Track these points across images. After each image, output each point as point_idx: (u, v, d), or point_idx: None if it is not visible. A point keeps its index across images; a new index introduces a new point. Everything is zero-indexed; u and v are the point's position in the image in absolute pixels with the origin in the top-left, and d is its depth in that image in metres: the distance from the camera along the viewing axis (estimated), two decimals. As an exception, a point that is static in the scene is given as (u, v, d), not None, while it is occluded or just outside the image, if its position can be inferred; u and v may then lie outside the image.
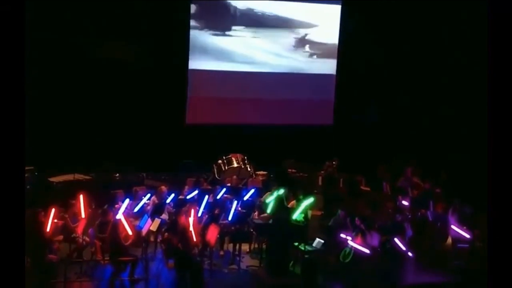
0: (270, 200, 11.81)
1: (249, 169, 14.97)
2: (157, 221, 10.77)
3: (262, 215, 11.79)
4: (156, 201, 11.71)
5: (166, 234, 10.92)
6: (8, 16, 6.35)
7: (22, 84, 6.51)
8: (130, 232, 9.99)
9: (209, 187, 13.07)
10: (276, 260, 10.45)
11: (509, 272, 6.56)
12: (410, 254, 11.32)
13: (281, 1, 16.88)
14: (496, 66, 7.06)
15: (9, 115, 6.33)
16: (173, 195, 11.89)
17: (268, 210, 11.53)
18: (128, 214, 10.99)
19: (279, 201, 11.42)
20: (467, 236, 11.57)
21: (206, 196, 11.46)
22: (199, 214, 11.02)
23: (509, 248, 6.62)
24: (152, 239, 11.39)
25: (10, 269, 6.10)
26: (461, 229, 11.64)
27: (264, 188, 13.34)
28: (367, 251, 10.82)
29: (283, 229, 10.47)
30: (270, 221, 11.02)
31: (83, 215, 10.40)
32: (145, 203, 11.51)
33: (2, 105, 6.32)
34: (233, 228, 11.37)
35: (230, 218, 11.24)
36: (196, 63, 16.39)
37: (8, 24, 6.36)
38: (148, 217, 10.74)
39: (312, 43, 17.35)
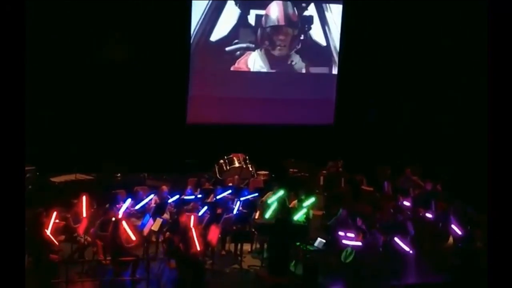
0: (272, 200, 11.81)
1: (250, 169, 14.96)
2: (159, 220, 10.77)
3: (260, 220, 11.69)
4: (158, 201, 11.71)
5: (167, 233, 10.92)
6: (8, 16, 6.35)
7: (23, 84, 6.52)
8: (133, 238, 9.99)
9: (211, 187, 13.07)
10: (277, 259, 10.45)
11: (509, 272, 6.55)
12: (411, 253, 11.32)
13: (283, 1, 16.86)
14: (496, 67, 7.05)
15: (9, 115, 6.34)
16: (177, 196, 11.88)
17: (267, 215, 11.49)
18: (129, 213, 11.03)
19: (282, 202, 11.42)
20: (459, 233, 11.58)
21: (205, 207, 11.44)
22: (200, 214, 11.03)
23: (509, 248, 6.61)
24: (153, 239, 11.40)
25: (10, 269, 6.10)
26: (457, 227, 11.65)
27: (266, 188, 13.33)
28: (358, 243, 10.78)
29: (285, 229, 10.47)
30: (273, 221, 11.02)
31: (84, 215, 10.42)
32: (146, 202, 11.52)
33: (2, 105, 6.33)
34: (234, 228, 11.38)
35: (234, 212, 11.24)
36: (197, 63, 16.39)
37: (8, 24, 6.37)
38: (150, 217, 10.75)
39: (313, 42, 17.34)
